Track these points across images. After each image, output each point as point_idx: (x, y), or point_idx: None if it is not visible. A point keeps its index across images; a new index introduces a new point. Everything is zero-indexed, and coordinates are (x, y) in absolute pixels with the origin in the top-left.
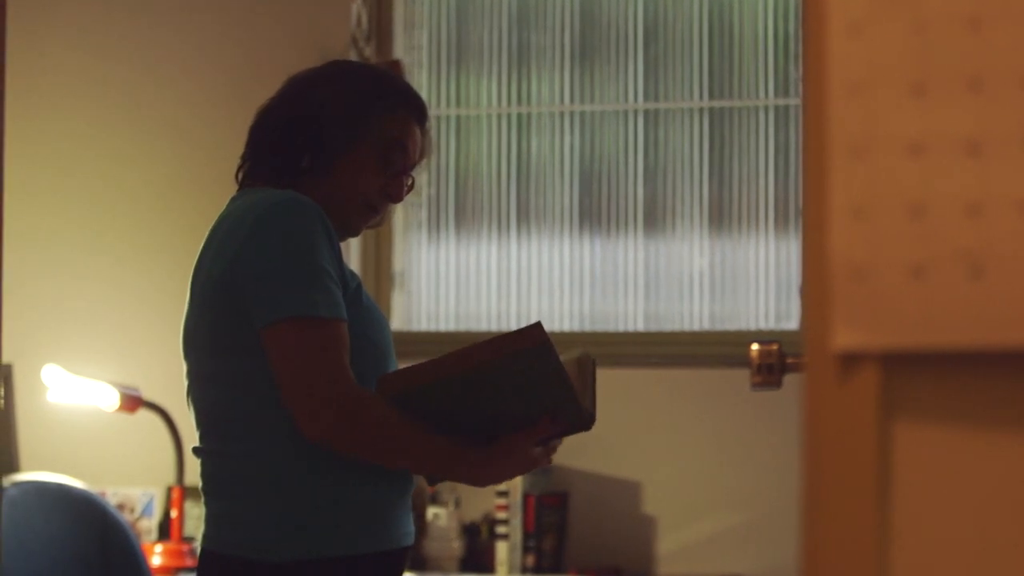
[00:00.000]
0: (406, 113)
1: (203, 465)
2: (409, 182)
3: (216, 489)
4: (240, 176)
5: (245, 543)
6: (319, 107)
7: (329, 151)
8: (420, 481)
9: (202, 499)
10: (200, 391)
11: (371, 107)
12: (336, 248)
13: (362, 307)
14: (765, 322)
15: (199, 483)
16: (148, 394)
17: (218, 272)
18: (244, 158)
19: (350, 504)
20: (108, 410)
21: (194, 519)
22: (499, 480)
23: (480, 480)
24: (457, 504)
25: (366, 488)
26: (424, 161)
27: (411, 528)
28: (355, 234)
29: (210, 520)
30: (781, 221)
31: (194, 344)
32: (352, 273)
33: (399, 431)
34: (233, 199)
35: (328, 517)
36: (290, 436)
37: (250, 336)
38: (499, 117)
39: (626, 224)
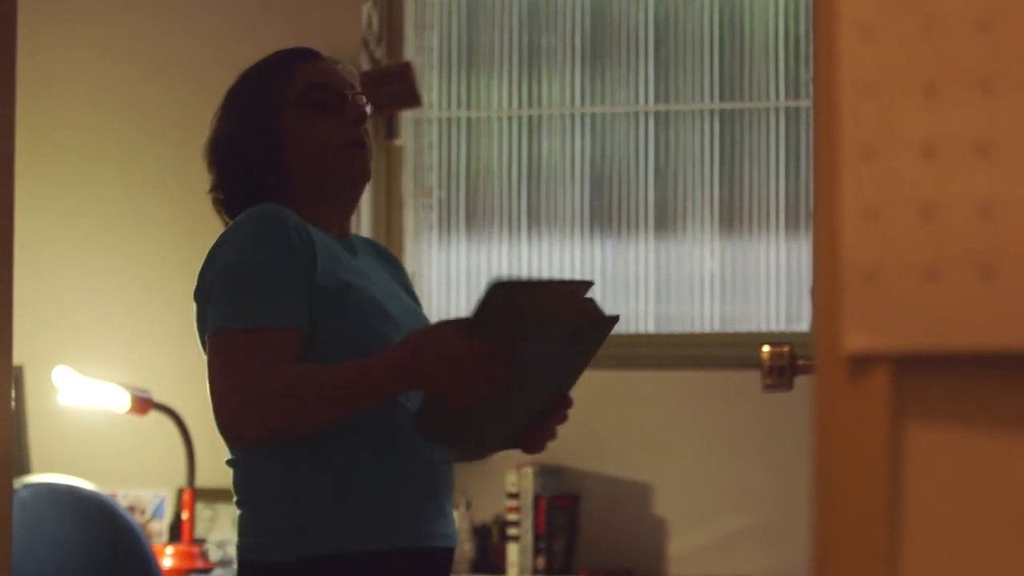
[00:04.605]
0: (291, 66)
1: (234, 479)
2: (361, 100)
3: (237, 497)
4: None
5: (252, 545)
6: (232, 128)
7: (271, 147)
8: None
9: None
10: None
11: (262, 90)
12: (306, 252)
13: (347, 308)
14: (776, 324)
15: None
16: (159, 396)
17: (196, 287)
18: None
19: (360, 502)
20: (119, 412)
21: (205, 521)
22: (443, 377)
23: (419, 377)
24: (468, 506)
25: (376, 485)
26: (357, 72)
27: (440, 530)
28: (364, 176)
29: (244, 531)
30: (792, 223)
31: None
32: (341, 276)
33: (306, 382)
34: None
35: (334, 515)
36: (287, 440)
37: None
38: (509, 119)
39: (636, 226)
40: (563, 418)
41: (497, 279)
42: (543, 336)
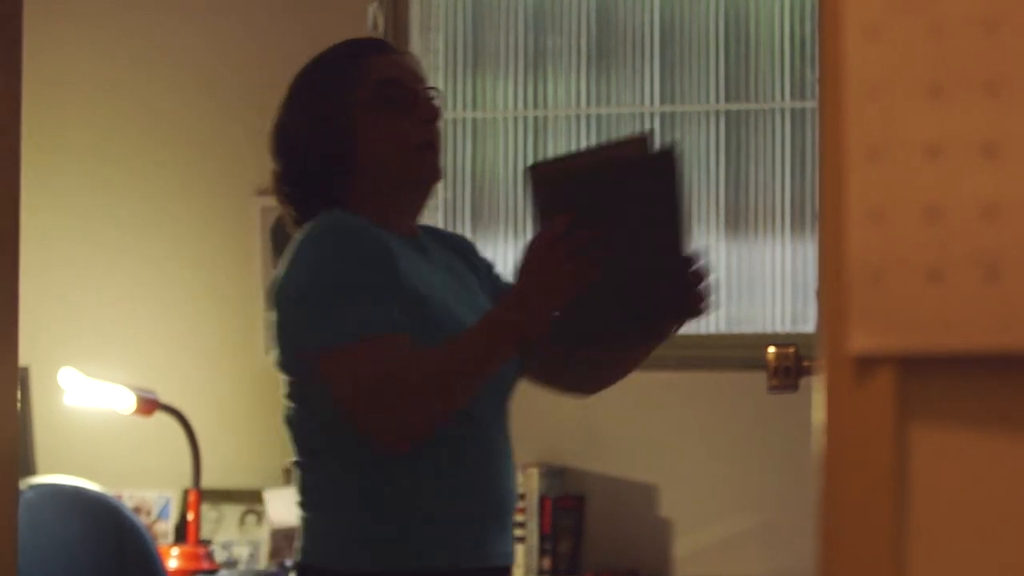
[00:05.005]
0: (363, 60)
1: (299, 482)
2: (432, 95)
3: (301, 499)
4: (295, 215)
5: (311, 550)
6: (301, 121)
7: (342, 145)
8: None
9: (296, 511)
10: (287, 406)
11: (334, 84)
12: (389, 263)
13: (422, 320)
14: (782, 325)
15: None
16: (164, 397)
17: (272, 299)
18: (294, 206)
19: (425, 519)
20: (124, 413)
21: (210, 522)
22: (546, 303)
23: (534, 316)
24: None
25: (443, 503)
26: (419, 63)
27: (500, 549)
28: (436, 177)
29: (306, 535)
30: (797, 224)
31: (280, 367)
32: (417, 286)
33: (432, 361)
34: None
35: (398, 531)
36: (339, 452)
37: (302, 359)
38: (515, 120)
39: None
40: (699, 276)
41: (529, 164)
42: (604, 197)
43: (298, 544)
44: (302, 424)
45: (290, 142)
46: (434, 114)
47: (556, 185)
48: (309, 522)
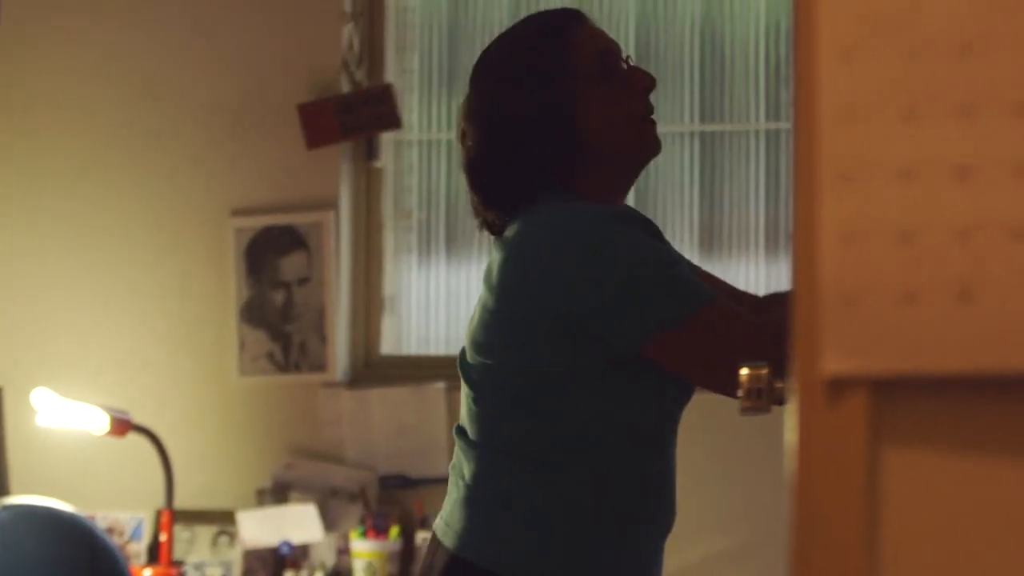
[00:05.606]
0: (572, 32)
1: (477, 468)
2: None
3: (470, 484)
4: (497, 214)
5: (470, 545)
6: (520, 100)
7: (566, 129)
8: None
9: (461, 494)
10: (490, 400)
11: (552, 58)
12: (652, 233)
13: None
14: None
15: (464, 475)
16: (137, 418)
17: (541, 303)
18: (497, 196)
19: (603, 541)
20: (98, 434)
21: (183, 543)
22: None
23: None
24: None
25: (625, 526)
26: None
27: (660, 569)
28: (659, 147)
29: (472, 527)
30: (771, 245)
31: (494, 354)
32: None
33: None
34: (527, 219)
35: (572, 547)
36: (543, 459)
37: (580, 363)
38: None
39: None
40: None
41: None
42: None
43: (449, 529)
44: (517, 422)
45: (503, 124)
46: (652, 84)
47: None
48: (475, 515)
